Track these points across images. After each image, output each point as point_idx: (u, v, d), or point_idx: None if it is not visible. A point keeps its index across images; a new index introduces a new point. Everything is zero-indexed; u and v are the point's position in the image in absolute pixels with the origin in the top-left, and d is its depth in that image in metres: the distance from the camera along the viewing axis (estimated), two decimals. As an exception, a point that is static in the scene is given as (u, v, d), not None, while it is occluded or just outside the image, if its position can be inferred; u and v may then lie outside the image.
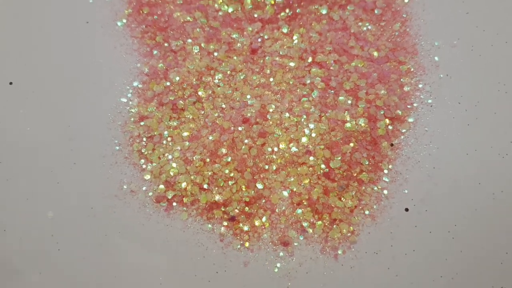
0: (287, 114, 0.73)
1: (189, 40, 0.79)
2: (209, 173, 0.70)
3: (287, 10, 0.80)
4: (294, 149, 0.71)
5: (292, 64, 0.76)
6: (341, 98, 0.74)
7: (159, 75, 0.77)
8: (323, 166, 0.70)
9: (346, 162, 0.70)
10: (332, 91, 0.75)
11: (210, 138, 0.72)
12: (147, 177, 0.70)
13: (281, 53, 0.77)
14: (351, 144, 0.71)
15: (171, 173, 0.70)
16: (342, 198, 0.69)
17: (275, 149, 0.71)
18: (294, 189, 0.70)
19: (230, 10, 0.81)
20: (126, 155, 0.72)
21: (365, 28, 0.79)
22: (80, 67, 0.78)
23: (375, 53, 0.77)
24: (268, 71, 0.76)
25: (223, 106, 0.74)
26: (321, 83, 0.75)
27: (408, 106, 0.74)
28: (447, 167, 0.71)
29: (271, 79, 0.76)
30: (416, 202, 0.69)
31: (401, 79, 0.76)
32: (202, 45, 0.78)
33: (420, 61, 0.78)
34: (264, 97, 0.74)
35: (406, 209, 0.69)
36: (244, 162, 0.71)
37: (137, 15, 0.82)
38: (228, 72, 0.76)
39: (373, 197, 0.69)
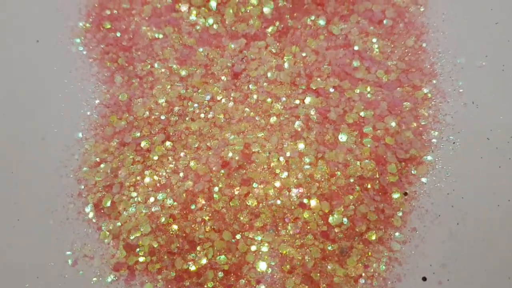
0: (276, 156, 0.59)
1: (157, 64, 0.64)
2: (180, 234, 0.57)
3: (276, 23, 0.66)
4: (284, 200, 0.57)
5: (282, 91, 0.62)
6: (342, 135, 0.59)
7: (121, 107, 0.63)
8: (320, 222, 0.57)
9: (349, 218, 0.57)
10: (332, 126, 0.60)
11: (182, 187, 0.58)
12: (105, 238, 0.57)
13: (269, 76, 0.63)
14: (355, 194, 0.57)
15: (133, 234, 0.57)
16: (344, 265, 0.55)
17: (262, 201, 0.57)
18: (285, 252, 0.56)
19: (209, 22, 0.66)
20: (79, 209, 0.59)
21: (372, 45, 0.64)
22: (26, 96, 0.64)
23: (384, 77, 0.62)
24: (253, 100, 0.62)
25: (198, 145, 0.60)
26: (318, 116, 0.61)
27: (426, 144, 0.60)
28: (475, 223, 0.57)
29: (257, 112, 0.61)
30: (435, 268, 0.56)
31: (417, 109, 0.62)
32: (174, 67, 0.64)
33: (439, 85, 0.63)
34: (248, 133, 0.60)
35: (424, 278, 0.55)
36: (223, 218, 0.57)
37: (96, 31, 0.67)
38: (205, 102, 0.62)
39: (383, 263, 0.56)
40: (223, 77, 0.64)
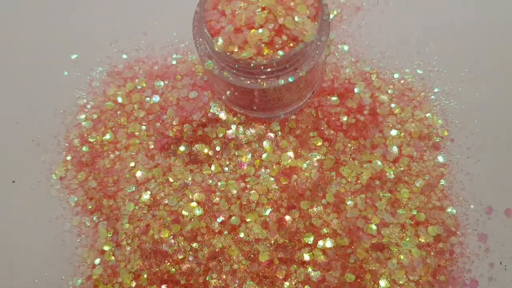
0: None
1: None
2: None
3: (281, 164, 0.58)
4: None
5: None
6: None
7: (106, 271, 0.56)
8: None
9: None
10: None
11: None
12: None
13: (270, 231, 0.56)
14: None
15: None
16: None
17: None
18: None
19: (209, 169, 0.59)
20: None
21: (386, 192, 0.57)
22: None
23: (400, 233, 0.55)
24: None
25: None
26: (326, 284, 0.54)
27: (448, 316, 0.53)
28: None
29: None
30: None
31: (439, 273, 0.55)
32: (165, 222, 0.57)
33: (464, 240, 0.56)
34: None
35: None
36: None
37: (77, 171, 0.60)
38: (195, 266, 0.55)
39: None
40: (218, 231, 0.56)
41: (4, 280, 0.57)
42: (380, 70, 0.63)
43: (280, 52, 0.48)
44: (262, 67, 0.49)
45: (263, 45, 0.48)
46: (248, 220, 0.57)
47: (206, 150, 0.60)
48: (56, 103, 0.63)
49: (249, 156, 0.59)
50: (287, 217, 0.56)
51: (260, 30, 0.48)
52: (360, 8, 0.66)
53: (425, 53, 0.64)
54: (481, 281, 0.55)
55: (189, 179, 0.59)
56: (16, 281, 0.57)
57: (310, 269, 0.55)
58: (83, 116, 0.63)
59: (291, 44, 0.48)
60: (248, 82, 0.51)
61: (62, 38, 0.66)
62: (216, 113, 0.61)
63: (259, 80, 0.50)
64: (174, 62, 0.65)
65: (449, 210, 0.57)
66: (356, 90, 0.62)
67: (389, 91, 0.62)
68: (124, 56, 0.65)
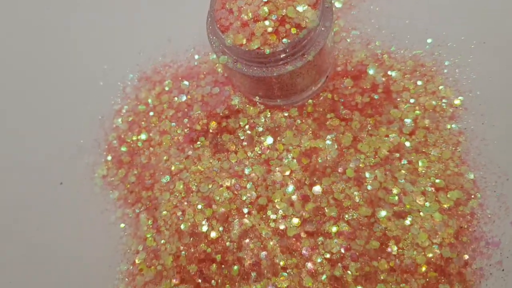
0: (311, 301, 0.56)
1: (180, 204, 0.62)
2: None
3: (303, 144, 0.62)
4: None
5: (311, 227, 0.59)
6: (381, 277, 0.55)
7: (149, 255, 0.61)
8: None
9: None
10: (368, 266, 0.56)
11: None
12: None
13: (295, 208, 0.60)
14: None
15: None
16: None
17: None
18: None
19: (232, 148, 0.63)
20: None
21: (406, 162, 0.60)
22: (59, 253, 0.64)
23: (421, 200, 0.58)
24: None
25: (231, 293, 0.58)
26: (352, 251, 0.57)
27: (473, 275, 0.55)
28: None
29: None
30: None
31: (460, 235, 0.57)
32: (198, 207, 0.62)
33: (484, 201, 0.57)
34: (280, 277, 0.57)
35: None
36: None
37: (117, 169, 0.66)
38: (228, 244, 0.60)
39: None
40: (248, 212, 0.61)
41: (58, 272, 0.63)
42: (391, 50, 0.66)
43: (285, 40, 0.52)
44: (270, 56, 0.53)
45: (268, 35, 0.52)
46: (275, 200, 0.61)
47: (231, 140, 0.64)
48: (95, 110, 0.70)
49: (271, 141, 0.63)
50: (316, 188, 0.59)
51: (265, 22, 0.52)
52: (366, -6, 0.69)
53: (433, 29, 0.66)
54: (503, 239, 0.56)
55: (218, 167, 0.63)
56: (69, 271, 0.63)
57: (335, 240, 0.58)
58: (119, 120, 0.69)
59: (294, 32, 0.53)
60: (260, 71, 0.55)
61: (96, 51, 0.72)
62: (238, 105, 0.65)
63: (270, 68, 0.55)
64: (196, 63, 0.70)
65: (467, 175, 0.59)
66: (369, 71, 0.65)
67: (401, 69, 0.65)
68: (152, 63, 0.71)
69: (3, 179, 0.68)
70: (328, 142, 0.62)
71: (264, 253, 0.59)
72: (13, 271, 0.63)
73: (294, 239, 0.59)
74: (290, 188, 0.60)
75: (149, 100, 0.69)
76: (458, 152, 0.60)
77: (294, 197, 0.60)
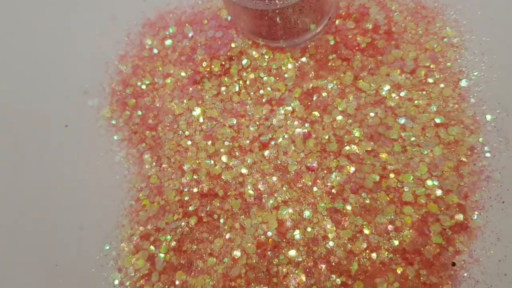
0: (312, 232, 0.57)
1: (184, 142, 0.63)
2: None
3: (303, 85, 0.63)
4: (323, 280, 0.55)
5: (313, 159, 0.59)
6: (381, 219, 0.56)
7: (152, 191, 0.62)
8: (364, 302, 0.54)
9: (394, 295, 0.54)
10: (368, 198, 0.57)
11: (219, 271, 0.57)
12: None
13: (297, 144, 0.60)
14: (399, 269, 0.54)
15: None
16: None
17: (302, 278, 0.56)
18: (329, 336, 0.54)
19: (235, 88, 0.64)
20: (122, 300, 0.59)
21: (405, 100, 0.60)
22: (61, 189, 0.65)
23: (422, 134, 0.58)
24: (285, 173, 0.60)
25: (231, 225, 0.59)
26: (353, 185, 0.58)
27: (472, 206, 0.56)
28: (534, 294, 0.52)
29: (289, 184, 0.59)
30: None
31: (460, 168, 0.57)
32: (201, 144, 0.63)
33: (484, 137, 0.58)
34: (282, 209, 0.58)
35: None
36: (263, 303, 0.56)
37: (121, 111, 0.67)
38: (230, 178, 0.61)
39: None
40: (250, 149, 0.62)
41: (63, 210, 0.64)
42: (393, -6, 0.66)
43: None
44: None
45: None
46: (276, 137, 0.62)
47: (234, 81, 0.65)
48: (100, 55, 0.71)
49: (273, 81, 0.64)
50: (316, 126, 0.60)
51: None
52: None
53: (434, -28, 0.67)
54: (503, 173, 0.57)
55: (221, 107, 0.64)
56: (74, 209, 0.64)
57: (335, 173, 0.59)
58: (123, 65, 0.70)
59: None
60: (263, 3, 0.56)
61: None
62: (241, 47, 0.66)
63: (273, 1, 0.55)
64: (200, 9, 0.71)
65: (467, 111, 0.60)
66: (370, 13, 0.65)
67: (403, 10, 0.65)
68: (156, 9, 0.72)
69: (11, 123, 0.69)
70: (329, 85, 0.62)
71: (264, 186, 0.59)
72: (19, 212, 0.65)
73: (295, 174, 0.60)
74: (293, 126, 0.61)
75: (153, 45, 0.69)
76: (458, 90, 0.61)
77: (296, 134, 0.61)
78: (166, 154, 0.63)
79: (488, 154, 0.58)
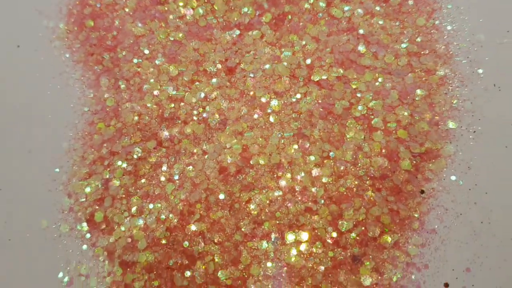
0: (277, 158, 0.54)
1: (145, 64, 0.59)
2: (178, 247, 0.52)
3: (272, 10, 0.60)
4: (289, 206, 0.52)
5: (281, 85, 0.56)
6: (349, 135, 0.54)
7: (108, 113, 0.58)
8: (329, 228, 0.52)
9: (361, 222, 0.51)
10: (337, 121, 0.55)
11: (180, 196, 0.53)
12: (100, 255, 0.53)
13: (266, 69, 0.57)
14: (366, 195, 0.52)
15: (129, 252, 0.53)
16: (357, 273, 0.51)
17: (264, 208, 0.53)
18: (291, 261, 0.51)
19: (200, 12, 0.60)
20: (72, 225, 0.55)
21: (378, 28, 0.58)
22: (9, 108, 0.60)
23: (394, 62, 0.56)
24: (250, 98, 0.56)
25: (192, 150, 0.55)
26: (322, 110, 0.55)
27: (442, 135, 0.54)
28: (501, 221, 0.51)
29: (255, 110, 0.56)
30: (458, 273, 0.50)
31: (432, 97, 0.55)
32: (162, 67, 0.59)
33: (456, 68, 0.56)
34: (246, 134, 0.55)
35: (446, 285, 0.50)
36: (223, 228, 0.53)
37: (79, 31, 0.62)
38: (198, 102, 0.57)
39: (400, 269, 0.51)
40: (215, 73, 0.58)
41: (12, 131, 0.59)
42: None
43: None
44: None
45: None
46: (244, 62, 0.58)
47: (201, 3, 0.61)
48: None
49: (242, 3, 0.61)
50: (286, 52, 0.57)
51: None
52: None
53: None
54: (475, 103, 0.55)
55: (185, 30, 0.60)
56: (23, 131, 0.59)
57: (305, 99, 0.56)
58: (82, -14, 0.65)
59: None
60: None
61: None
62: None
63: None
64: None
65: (440, 42, 0.58)
66: None
67: None
68: None
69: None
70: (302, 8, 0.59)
71: (229, 111, 0.56)
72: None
73: (262, 98, 0.57)
74: (262, 52, 0.58)
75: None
76: (432, 20, 0.59)
77: (264, 56, 0.58)
78: (124, 76, 0.59)
79: (459, 83, 0.56)
